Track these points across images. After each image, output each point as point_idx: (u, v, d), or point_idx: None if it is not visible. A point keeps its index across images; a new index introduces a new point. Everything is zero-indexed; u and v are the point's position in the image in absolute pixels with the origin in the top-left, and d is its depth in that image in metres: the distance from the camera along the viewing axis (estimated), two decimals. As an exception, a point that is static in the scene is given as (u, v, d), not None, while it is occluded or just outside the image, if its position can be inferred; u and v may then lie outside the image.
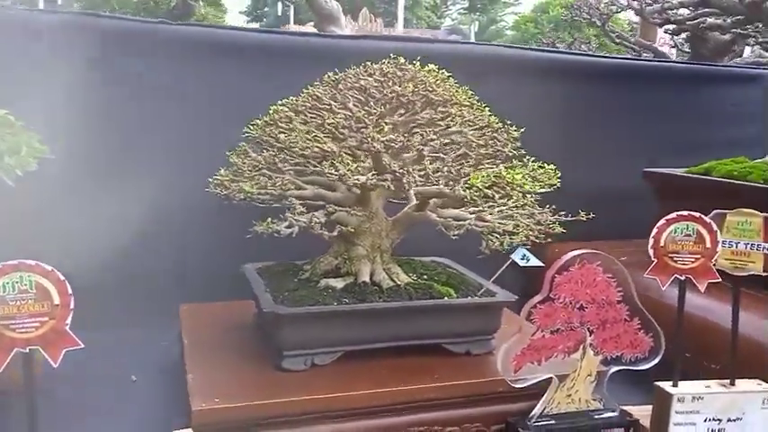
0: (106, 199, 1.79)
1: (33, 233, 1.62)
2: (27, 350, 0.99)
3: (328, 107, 1.36)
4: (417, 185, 1.26)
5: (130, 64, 1.87)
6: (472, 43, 2.87)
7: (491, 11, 29.99)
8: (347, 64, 1.55)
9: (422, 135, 1.30)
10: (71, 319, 0.99)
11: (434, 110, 1.36)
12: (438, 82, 1.42)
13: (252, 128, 1.48)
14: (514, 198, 1.29)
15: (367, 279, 1.46)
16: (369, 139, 1.21)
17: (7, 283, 0.96)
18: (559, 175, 1.46)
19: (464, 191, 1.27)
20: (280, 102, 1.48)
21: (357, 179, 1.21)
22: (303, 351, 1.37)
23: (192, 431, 1.09)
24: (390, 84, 1.35)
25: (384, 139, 1.24)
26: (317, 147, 1.25)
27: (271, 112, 1.42)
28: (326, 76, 1.51)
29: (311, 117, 1.39)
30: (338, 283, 1.46)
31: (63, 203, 1.75)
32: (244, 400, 1.24)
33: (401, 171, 1.21)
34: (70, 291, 0.99)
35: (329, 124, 1.29)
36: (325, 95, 1.38)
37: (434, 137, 1.30)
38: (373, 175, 1.23)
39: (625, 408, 1.43)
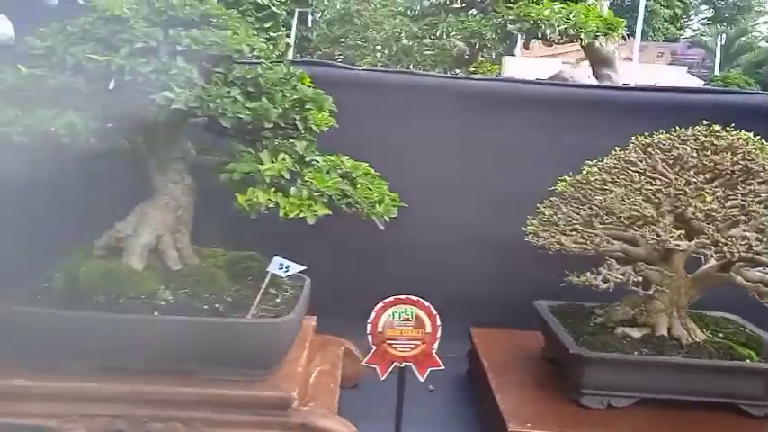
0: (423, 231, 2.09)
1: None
2: (402, 365, 1.26)
3: (642, 172, 1.48)
4: (741, 255, 1.32)
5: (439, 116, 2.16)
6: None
7: (741, 20, 27.13)
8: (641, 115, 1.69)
9: (743, 205, 1.36)
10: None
11: (754, 180, 1.41)
12: (755, 150, 1.47)
13: (562, 184, 1.65)
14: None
15: (665, 333, 1.55)
16: (693, 209, 1.31)
17: (395, 312, 1.24)
18: None
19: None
20: (590, 162, 1.63)
21: (678, 245, 1.32)
22: (601, 392, 1.51)
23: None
24: (709, 153, 1.43)
25: (706, 209, 1.33)
26: (637, 212, 1.38)
27: (584, 172, 1.58)
28: (635, 138, 1.63)
29: (623, 179, 1.52)
30: (635, 333, 1.57)
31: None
32: (550, 428, 1.42)
33: (724, 242, 1.29)
34: (439, 322, 1.25)
35: (647, 190, 1.42)
36: (638, 161, 1.50)
37: (756, 207, 1.35)
38: (696, 242, 1.33)
39: None
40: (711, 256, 1.35)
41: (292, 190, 1.42)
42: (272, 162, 1.42)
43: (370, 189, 1.57)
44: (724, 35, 24.46)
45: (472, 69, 3.13)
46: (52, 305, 1.41)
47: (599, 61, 2.94)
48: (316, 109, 1.48)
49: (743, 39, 24.76)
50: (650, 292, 1.42)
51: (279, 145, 1.54)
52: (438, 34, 2.70)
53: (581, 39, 2.60)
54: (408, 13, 3.09)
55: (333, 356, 1.81)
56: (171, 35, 1.33)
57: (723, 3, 28.59)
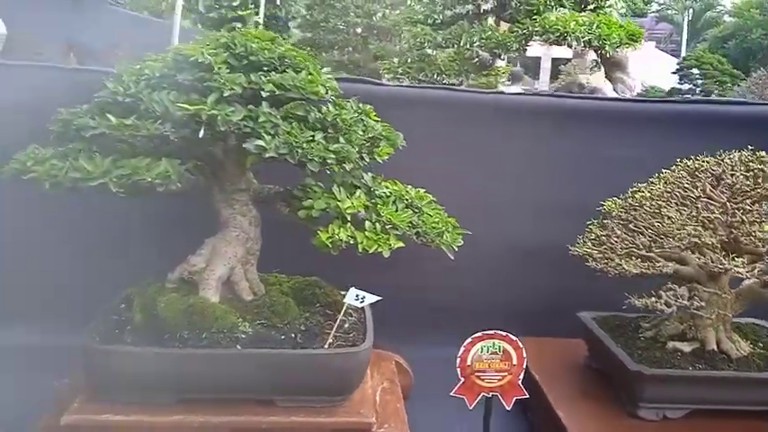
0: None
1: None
2: (489, 395, 1.33)
3: (696, 198, 1.56)
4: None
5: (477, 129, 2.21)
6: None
7: (707, -6, 27.49)
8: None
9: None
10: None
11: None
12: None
13: (609, 204, 1.73)
14: None
15: (714, 347, 1.64)
16: (753, 237, 1.40)
17: (484, 346, 1.31)
18: None
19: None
20: (639, 185, 1.71)
21: (739, 272, 1.41)
22: (657, 405, 1.60)
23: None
24: (761, 181, 1.52)
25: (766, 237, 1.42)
26: (696, 239, 1.46)
27: (637, 195, 1.66)
28: (682, 162, 1.71)
29: (674, 203, 1.60)
30: (686, 347, 1.66)
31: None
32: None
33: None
34: (525, 355, 1.32)
35: (704, 217, 1.50)
36: (692, 187, 1.58)
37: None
38: (759, 271, 1.42)
39: None
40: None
41: (367, 224, 1.46)
42: (348, 197, 1.46)
43: (430, 216, 1.62)
44: (691, 10, 24.69)
45: (485, 73, 3.18)
46: (135, 342, 1.45)
47: (613, 65, 3.02)
48: (388, 145, 1.52)
49: (709, 13, 25.04)
50: (712, 317, 1.51)
51: (344, 176, 1.58)
52: (462, 44, 2.75)
53: (605, 49, 2.68)
54: (428, 21, 3.12)
55: (389, 372, 1.87)
56: (253, 80, 1.36)
57: (689, -24, 28.85)
